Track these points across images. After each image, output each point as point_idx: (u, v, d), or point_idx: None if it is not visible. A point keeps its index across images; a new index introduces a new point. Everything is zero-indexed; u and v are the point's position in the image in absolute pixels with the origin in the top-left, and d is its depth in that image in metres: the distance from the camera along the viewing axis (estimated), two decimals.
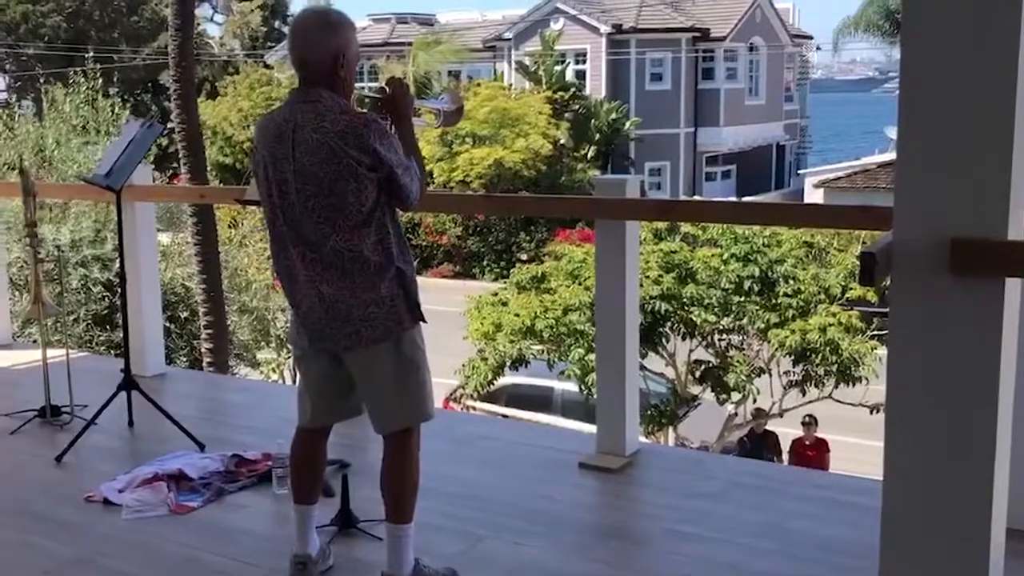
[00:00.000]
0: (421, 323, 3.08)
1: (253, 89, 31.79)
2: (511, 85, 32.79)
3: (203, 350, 11.00)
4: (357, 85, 3.17)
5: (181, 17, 10.62)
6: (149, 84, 38.71)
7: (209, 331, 10.79)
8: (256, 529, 3.78)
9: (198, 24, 33.65)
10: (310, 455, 3.26)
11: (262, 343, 14.46)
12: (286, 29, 37.69)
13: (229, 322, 12.30)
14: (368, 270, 2.95)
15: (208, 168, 12.28)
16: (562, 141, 29.83)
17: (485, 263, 28.41)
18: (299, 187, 2.93)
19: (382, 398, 3.06)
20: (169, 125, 10.55)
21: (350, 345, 3.01)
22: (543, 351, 12.70)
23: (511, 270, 15.57)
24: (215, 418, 5.23)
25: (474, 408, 13.36)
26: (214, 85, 35.72)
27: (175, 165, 12.62)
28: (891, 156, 30.39)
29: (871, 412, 11.87)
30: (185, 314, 12.15)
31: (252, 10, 40.75)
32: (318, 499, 3.27)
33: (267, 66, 35.56)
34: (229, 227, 15.74)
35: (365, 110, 3.12)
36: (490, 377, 12.76)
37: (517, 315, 12.52)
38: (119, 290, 5.08)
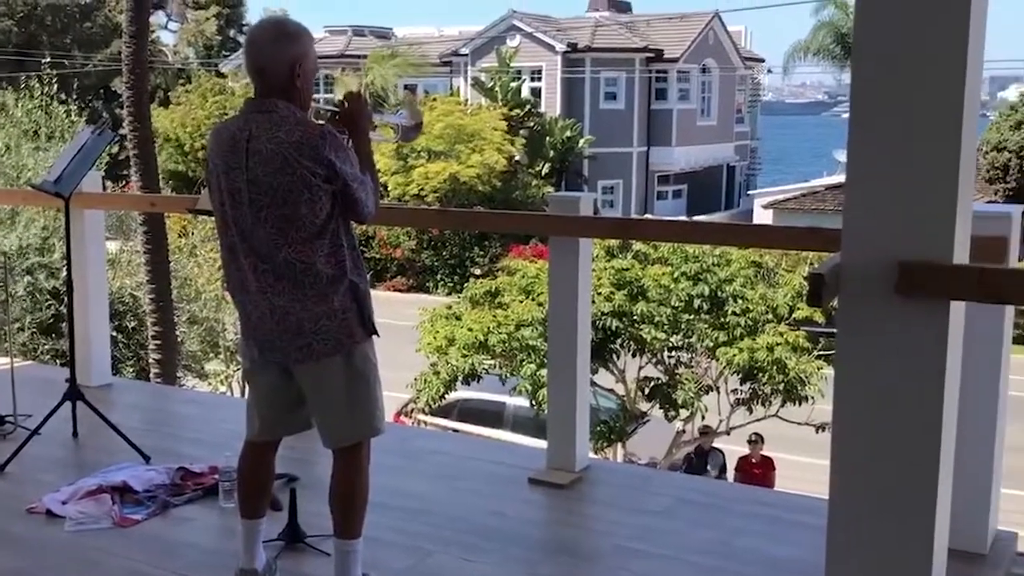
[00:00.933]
0: (374, 337, 3.07)
1: (206, 98, 31.56)
2: (467, 100, 32.87)
3: (151, 360, 10.87)
4: (313, 96, 3.15)
5: (136, 24, 10.53)
6: (101, 91, 38.27)
7: (157, 341, 10.66)
8: (201, 543, 3.73)
9: (152, 31, 33.37)
10: (258, 468, 3.22)
11: (211, 354, 14.32)
12: (241, 38, 37.54)
13: (178, 332, 12.17)
14: (321, 282, 2.93)
15: (160, 176, 12.15)
16: (517, 157, 29.94)
17: (439, 277, 28.39)
18: (252, 197, 2.91)
19: (332, 412, 3.04)
20: (121, 132, 10.44)
21: (301, 358, 2.99)
22: (495, 366, 12.70)
23: (465, 284, 15.57)
24: (161, 430, 5.16)
25: (425, 422, 13.32)
26: (167, 93, 35.41)
27: (126, 173, 12.47)
28: (839, 179, 30.85)
29: (817, 431, 12.00)
30: (133, 324, 12.01)
31: (207, 18, 40.48)
32: (265, 513, 3.24)
33: (221, 75, 35.32)
34: (179, 236, 15.61)
35: (322, 122, 3.11)
36: (442, 391, 12.73)
37: (470, 329, 12.51)
38: (66, 298, 5.01)
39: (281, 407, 3.13)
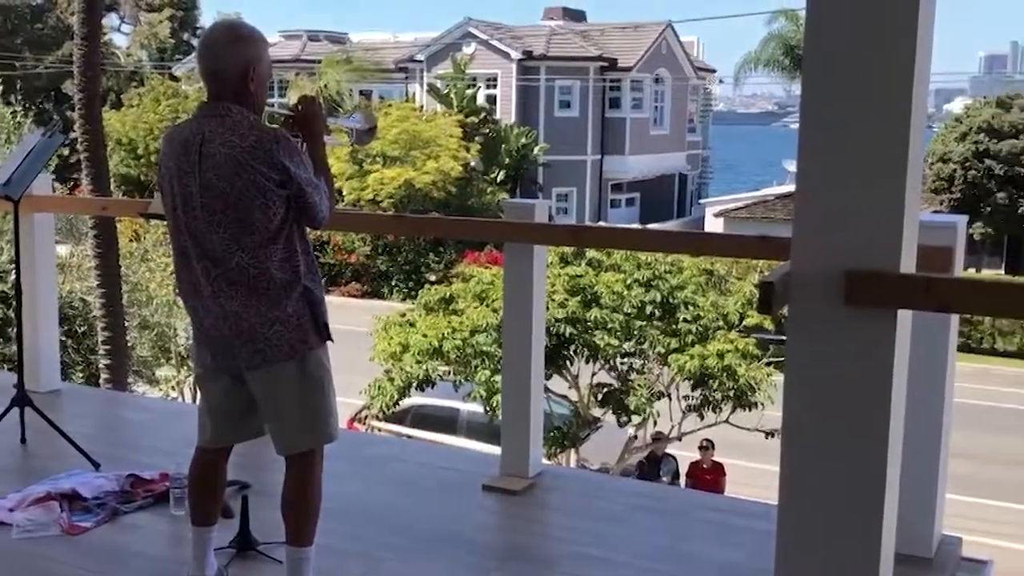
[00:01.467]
0: (328, 343, 3.06)
1: (159, 101, 31.23)
2: (422, 107, 32.83)
3: (100, 366, 10.72)
4: (270, 101, 3.15)
5: (87, 26, 10.39)
6: (52, 93, 37.73)
7: (107, 347, 10.52)
8: (151, 551, 3.69)
9: (105, 33, 32.93)
10: (209, 475, 3.20)
11: (162, 360, 14.16)
12: (195, 41, 37.18)
13: (128, 338, 12.01)
14: (274, 288, 2.92)
15: (111, 180, 12.00)
16: (472, 164, 29.96)
17: (394, 283, 28.31)
18: (205, 202, 2.89)
19: (285, 419, 3.03)
20: (72, 135, 10.30)
21: (254, 364, 2.97)
22: (449, 372, 12.70)
23: (419, 290, 15.55)
24: (111, 436, 5.11)
25: (379, 429, 13.27)
26: (119, 96, 34.99)
27: (76, 176, 12.31)
28: (789, 188, 31.25)
29: (766, 437, 12.13)
30: (83, 329, 11.85)
31: (160, 21, 40.09)
32: (217, 520, 3.22)
33: (174, 78, 34.98)
34: (131, 240, 15.43)
35: (276, 126, 3.10)
36: (396, 397, 12.70)
37: (424, 336, 12.50)
38: (14, 303, 4.94)
39: (233, 413, 3.10)
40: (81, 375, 11.81)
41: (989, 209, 28.19)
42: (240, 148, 2.85)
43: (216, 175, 2.86)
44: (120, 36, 41.65)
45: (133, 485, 4.10)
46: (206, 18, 43.51)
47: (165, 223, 3.15)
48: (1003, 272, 28.53)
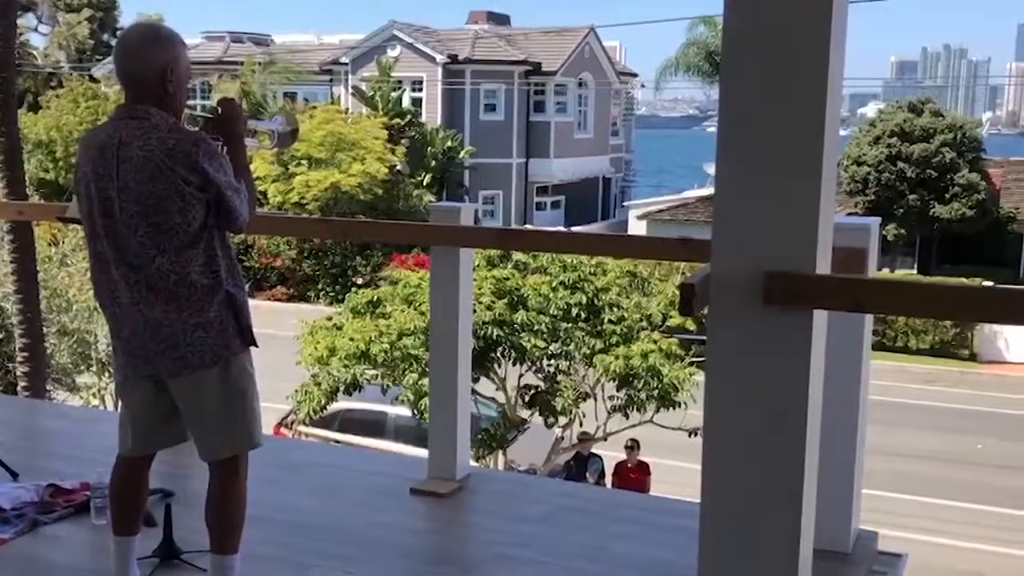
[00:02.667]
0: (252, 348, 3.04)
1: (78, 103, 30.57)
2: (348, 109, 32.63)
3: (18, 373, 10.46)
4: (189, 103, 3.11)
5: (2, 26, 10.14)
6: None
7: (25, 354, 10.26)
8: (73, 562, 3.62)
9: (21, 34, 32.15)
10: (131, 484, 3.14)
11: (83, 367, 13.87)
12: (115, 42, 36.42)
13: (47, 345, 11.75)
14: (195, 293, 2.88)
15: (28, 183, 11.73)
16: (398, 167, 29.85)
17: (320, 287, 28.08)
18: (123, 206, 2.84)
19: (208, 425, 2.99)
20: None
21: (175, 370, 2.93)
22: (377, 376, 12.64)
23: (346, 294, 15.45)
24: (30, 445, 4.99)
25: (306, 434, 13.15)
26: (36, 97, 34.17)
27: None
28: (710, 191, 31.71)
29: (689, 435, 12.28)
30: (0, 336, 11.56)
31: (79, 22, 39.22)
32: (139, 530, 3.17)
33: (94, 80, 34.27)
34: (49, 245, 15.09)
35: (195, 128, 3.06)
36: (323, 402, 12.60)
37: (352, 339, 12.42)
38: None
39: (155, 420, 3.06)
40: None
41: (902, 211, 28.93)
42: (158, 151, 2.81)
43: (134, 179, 2.82)
44: (38, 36, 40.71)
45: (53, 495, 4.01)
46: (126, 19, 42.70)
47: (83, 228, 3.09)
48: (915, 272, 29.28)
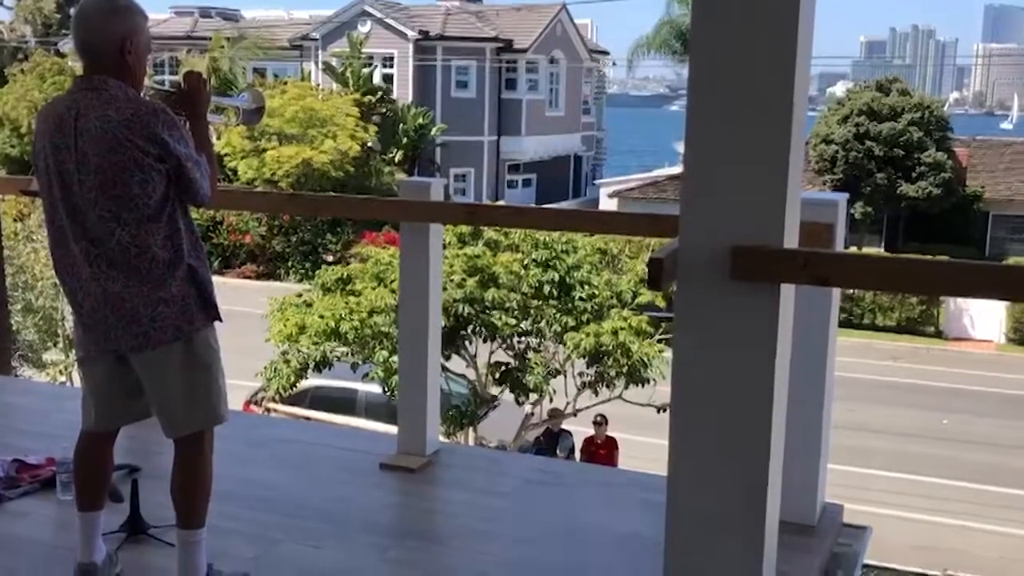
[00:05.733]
0: (216, 323, 3.02)
1: (44, 78, 30.17)
2: (318, 85, 32.40)
3: None
4: (157, 78, 3.08)
5: None
6: None
7: None
8: (39, 537, 3.60)
9: None
10: (95, 460, 3.12)
11: (49, 344, 13.76)
12: (73, 12, 35.99)
13: (13, 322, 11.63)
14: (157, 267, 2.85)
15: None
16: (370, 144, 29.69)
17: (290, 264, 27.92)
18: (82, 179, 2.80)
19: (172, 401, 2.97)
20: None
21: (137, 346, 2.89)
22: (348, 353, 12.62)
23: (316, 271, 15.38)
24: None
25: (276, 411, 13.12)
26: (2, 72, 33.70)
27: None
28: (679, 169, 31.81)
29: (658, 411, 12.35)
30: None
31: None
32: (104, 505, 3.15)
33: (60, 55, 33.82)
34: (15, 221, 14.93)
35: (154, 100, 3.02)
36: (293, 379, 12.57)
37: (322, 317, 12.38)
38: None
39: (118, 396, 3.04)
40: None
41: (869, 189, 29.12)
42: (116, 122, 2.77)
43: (93, 150, 2.78)
44: (3, 11, 40.13)
45: (18, 471, 3.99)
46: None
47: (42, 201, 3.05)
48: (883, 250, 29.51)
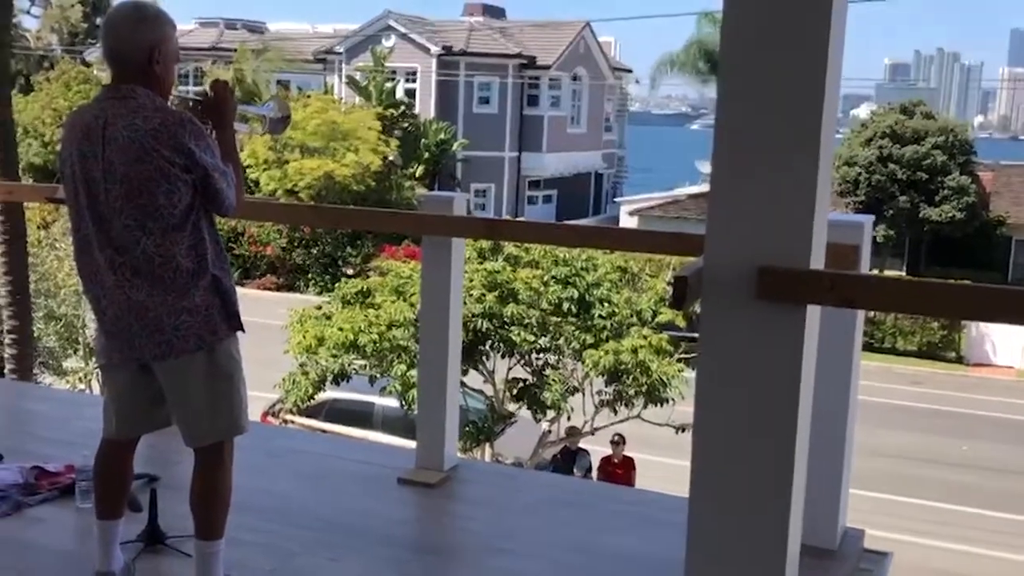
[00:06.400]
0: (239, 333, 3.02)
1: (69, 87, 30.44)
2: (341, 99, 32.56)
3: (5, 356, 10.41)
4: (181, 88, 3.09)
5: None
6: None
7: (13, 336, 10.21)
8: (57, 544, 3.61)
9: (14, 15, 31.99)
10: (115, 468, 3.13)
11: (70, 351, 13.82)
12: (102, 21, 36.29)
13: (35, 328, 11.70)
14: (181, 276, 2.85)
15: (20, 167, 11.65)
16: (391, 158, 29.78)
17: (310, 276, 28.00)
18: (108, 187, 2.81)
19: (193, 410, 2.97)
20: None
21: (160, 355, 2.90)
22: (366, 366, 12.62)
23: (336, 284, 15.41)
24: (15, 427, 4.97)
25: (293, 423, 13.13)
26: (28, 80, 34.01)
27: None
28: (701, 189, 31.75)
29: (676, 432, 12.30)
30: None
31: (72, 4, 39.05)
32: (123, 514, 3.15)
33: (86, 63, 34.12)
34: (39, 228, 15.04)
35: (182, 109, 3.03)
36: (311, 391, 12.58)
37: (341, 329, 12.39)
38: None
39: (139, 404, 3.04)
40: None
41: (891, 212, 28.99)
42: (144, 131, 2.78)
43: (120, 159, 2.79)
44: (30, 19, 40.49)
45: (38, 477, 4.00)
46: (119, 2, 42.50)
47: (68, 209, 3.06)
48: (904, 274, 29.34)
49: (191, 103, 3.15)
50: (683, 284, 2.14)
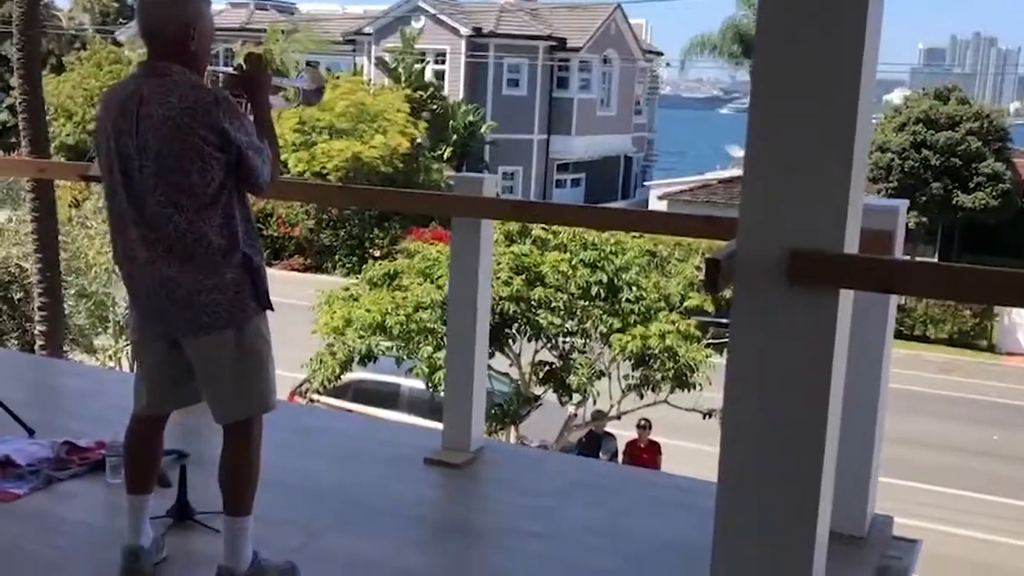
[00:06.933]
0: (268, 311, 3.02)
1: (101, 67, 30.59)
2: (370, 80, 32.55)
3: (36, 333, 10.53)
4: (210, 68, 3.08)
5: None
6: None
7: (43, 313, 10.33)
8: (87, 519, 3.64)
9: None
10: (146, 443, 3.15)
11: (100, 329, 13.95)
12: None
13: (66, 306, 11.81)
14: (212, 254, 2.86)
15: (50, 145, 11.75)
16: (419, 140, 29.76)
17: (337, 258, 28.08)
18: (142, 164, 2.82)
19: (222, 387, 2.98)
20: (9, 101, 10.06)
21: (190, 331, 2.92)
22: (392, 347, 12.66)
23: (363, 266, 15.45)
24: (46, 403, 5.02)
25: (319, 402, 13.20)
26: (60, 60, 34.22)
27: (14, 140, 12.06)
28: (732, 173, 31.52)
29: (704, 417, 12.27)
30: (19, 295, 11.64)
31: None
32: (153, 489, 3.17)
33: (117, 43, 34.27)
34: (70, 207, 15.16)
35: (218, 87, 3.03)
36: (337, 372, 12.64)
37: (368, 310, 12.44)
38: None
39: (169, 380, 3.06)
40: (16, 342, 11.60)
41: (924, 199, 28.68)
42: (179, 109, 2.78)
43: (154, 136, 2.79)
44: None
45: (68, 452, 4.04)
46: None
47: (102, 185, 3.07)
48: (936, 260, 29.07)
49: (226, 77, 3.14)
50: (715, 267, 2.13)
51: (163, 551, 3.25)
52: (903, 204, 3.39)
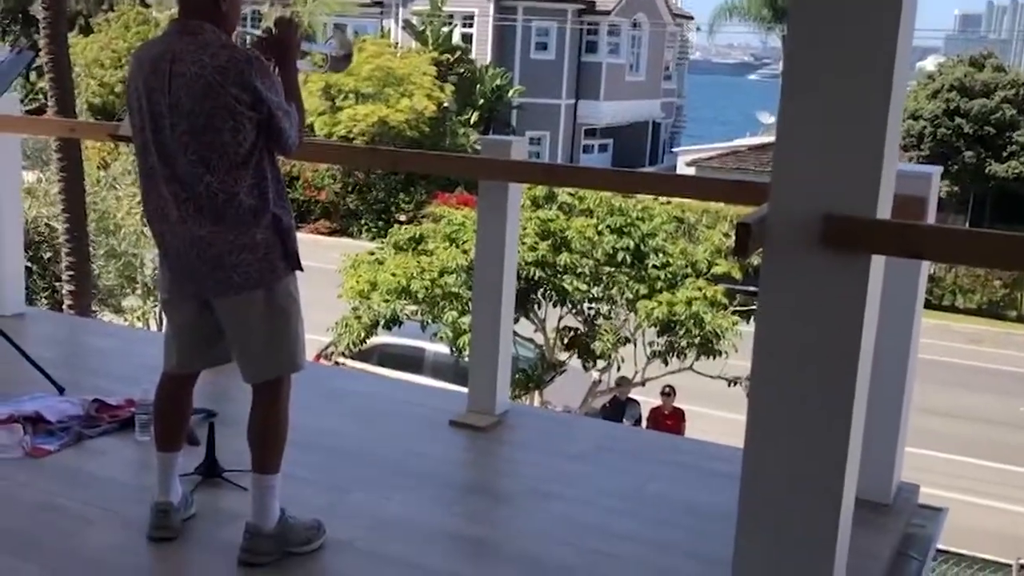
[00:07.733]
0: (297, 272, 3.04)
1: (128, 28, 30.62)
2: (397, 43, 32.42)
3: (64, 292, 10.62)
4: (239, 30, 3.07)
5: None
6: (19, 15, 36.83)
7: (71, 273, 10.41)
8: (116, 475, 3.69)
9: None
10: (175, 401, 3.18)
11: (128, 290, 14.06)
12: None
13: (95, 266, 11.90)
14: (243, 213, 2.87)
15: (77, 107, 11.78)
16: (446, 104, 29.65)
17: (363, 222, 28.12)
18: (174, 122, 2.83)
19: (251, 346, 3.00)
20: (38, 61, 10.08)
21: (220, 291, 2.93)
22: (417, 312, 12.69)
23: (389, 230, 15.47)
24: (76, 362, 5.07)
25: (345, 365, 13.27)
26: (88, 21, 34.27)
27: (43, 100, 12.11)
28: (762, 140, 31.23)
29: (729, 385, 12.24)
30: (48, 255, 11.74)
31: None
32: (182, 447, 3.21)
33: (145, 4, 34.25)
34: (99, 168, 15.23)
35: (249, 47, 3.03)
36: (362, 335, 12.70)
37: (393, 275, 12.47)
38: None
39: (199, 339, 3.08)
40: (46, 301, 11.71)
41: (957, 167, 28.37)
42: (211, 68, 2.78)
43: (186, 95, 2.80)
44: None
45: (98, 410, 4.08)
46: None
47: (132, 146, 3.08)
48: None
49: (255, 40, 3.14)
50: (746, 231, 2.11)
51: (192, 508, 3.29)
52: (937, 170, 3.35)
